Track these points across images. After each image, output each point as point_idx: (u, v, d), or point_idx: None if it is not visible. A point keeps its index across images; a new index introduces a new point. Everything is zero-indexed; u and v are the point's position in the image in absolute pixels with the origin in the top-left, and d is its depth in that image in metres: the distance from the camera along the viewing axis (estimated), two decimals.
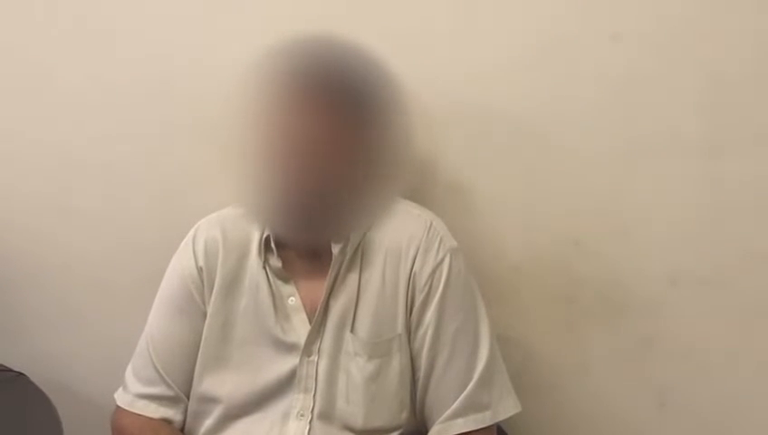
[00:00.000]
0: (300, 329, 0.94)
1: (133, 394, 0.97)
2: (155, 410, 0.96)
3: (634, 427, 1.11)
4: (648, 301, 1.07)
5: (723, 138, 1.00)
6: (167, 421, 0.96)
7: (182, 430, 0.98)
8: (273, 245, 0.94)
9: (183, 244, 1.00)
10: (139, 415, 0.96)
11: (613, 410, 1.11)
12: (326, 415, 0.92)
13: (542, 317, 1.12)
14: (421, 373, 0.94)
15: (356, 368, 0.93)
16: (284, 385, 0.93)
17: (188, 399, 0.98)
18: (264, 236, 0.95)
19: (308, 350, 0.93)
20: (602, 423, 1.13)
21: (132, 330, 1.02)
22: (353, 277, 0.94)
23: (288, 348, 0.94)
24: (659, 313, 1.07)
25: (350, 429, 0.92)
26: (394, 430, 0.93)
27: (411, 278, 0.93)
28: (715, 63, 0.99)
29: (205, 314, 0.97)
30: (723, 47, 0.98)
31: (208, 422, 0.96)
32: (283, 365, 0.94)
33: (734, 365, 1.05)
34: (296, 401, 0.93)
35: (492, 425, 0.93)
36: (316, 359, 0.93)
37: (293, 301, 0.95)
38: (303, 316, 0.95)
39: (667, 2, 0.99)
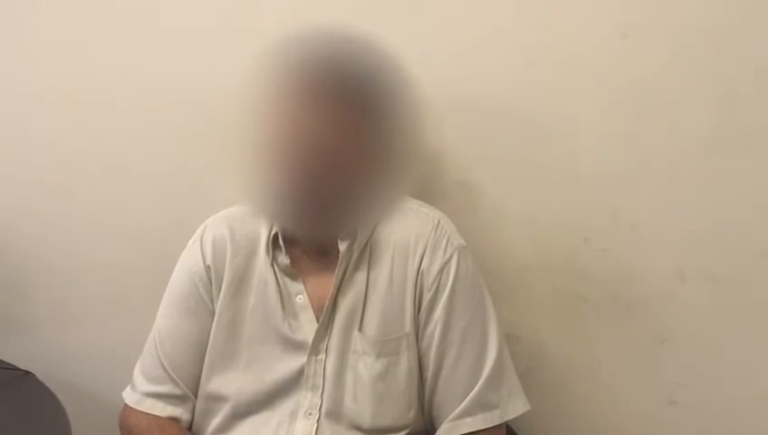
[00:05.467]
0: (307, 327, 0.94)
1: (141, 393, 0.97)
2: (162, 409, 0.96)
3: (644, 425, 1.11)
4: (658, 298, 1.06)
5: (733, 134, 0.99)
6: (174, 420, 0.96)
7: (190, 428, 0.98)
8: (281, 242, 0.94)
9: (191, 242, 1.00)
10: (147, 414, 0.96)
11: (623, 408, 1.11)
12: (334, 414, 0.92)
13: (551, 315, 1.12)
14: (429, 372, 0.93)
15: (364, 367, 0.92)
16: (292, 383, 0.93)
17: (196, 397, 0.98)
18: (272, 233, 0.94)
19: (315, 348, 0.93)
20: (612, 421, 1.12)
21: (139, 328, 1.02)
22: (361, 276, 0.94)
23: (296, 346, 0.94)
24: (669, 310, 1.06)
25: (358, 427, 0.92)
26: (402, 428, 0.93)
27: (419, 277, 0.93)
28: (726, 62, 0.98)
29: (213, 313, 0.97)
30: (734, 46, 0.97)
31: (216, 421, 0.95)
32: (290, 363, 0.93)
33: (745, 362, 1.04)
34: (304, 399, 0.93)
35: (501, 424, 0.92)
36: (324, 357, 0.93)
37: (301, 299, 0.95)
38: (311, 314, 0.94)
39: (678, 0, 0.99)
